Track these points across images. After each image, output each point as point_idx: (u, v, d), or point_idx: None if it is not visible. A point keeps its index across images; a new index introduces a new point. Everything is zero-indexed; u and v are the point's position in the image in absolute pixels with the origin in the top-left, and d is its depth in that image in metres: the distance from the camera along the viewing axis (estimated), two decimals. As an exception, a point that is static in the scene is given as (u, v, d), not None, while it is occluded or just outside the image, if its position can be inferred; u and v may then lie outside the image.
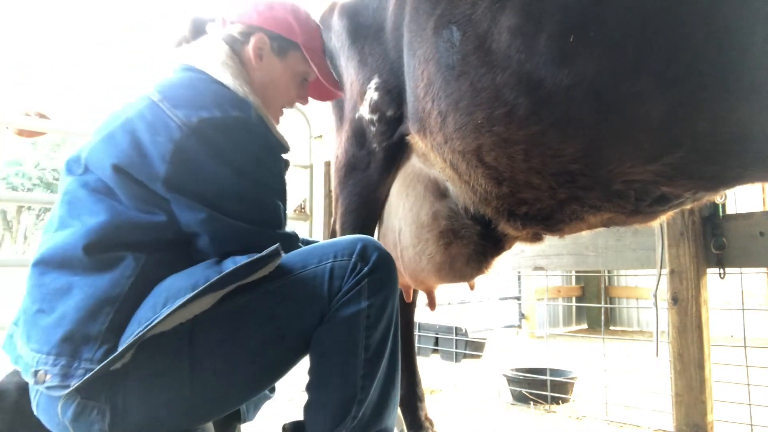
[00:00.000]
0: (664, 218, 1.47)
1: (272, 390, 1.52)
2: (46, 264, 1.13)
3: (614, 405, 2.69)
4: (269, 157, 1.26)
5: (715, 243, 2.09)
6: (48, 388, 1.07)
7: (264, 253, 1.09)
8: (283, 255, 1.14)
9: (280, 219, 1.26)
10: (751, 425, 2.14)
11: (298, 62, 1.41)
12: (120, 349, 1.04)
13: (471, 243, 1.70)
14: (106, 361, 1.03)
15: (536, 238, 1.65)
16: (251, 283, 1.12)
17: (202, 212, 1.14)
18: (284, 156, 1.36)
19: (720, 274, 2.11)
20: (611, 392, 2.71)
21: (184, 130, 1.13)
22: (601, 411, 2.69)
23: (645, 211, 1.33)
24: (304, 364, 1.25)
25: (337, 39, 1.91)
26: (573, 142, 1.23)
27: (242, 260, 1.08)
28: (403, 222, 1.79)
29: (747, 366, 2.21)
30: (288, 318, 1.15)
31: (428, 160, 1.66)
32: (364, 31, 1.80)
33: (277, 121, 1.46)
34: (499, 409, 2.92)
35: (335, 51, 1.91)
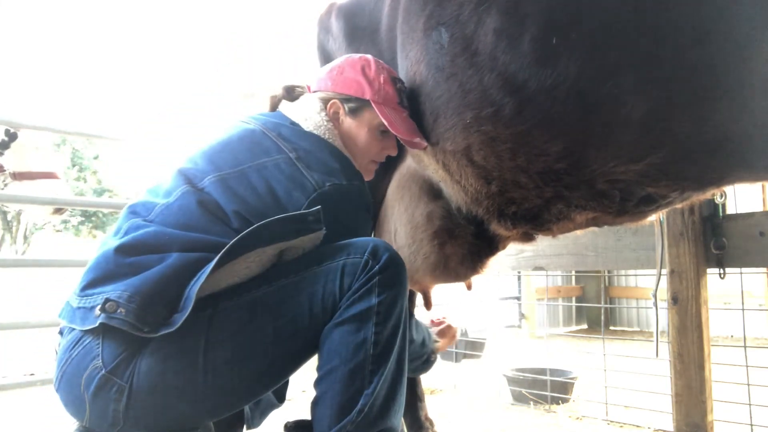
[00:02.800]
0: (654, 217, 1.47)
1: (281, 399, 1.52)
2: (141, 249, 1.18)
3: (614, 405, 2.70)
4: (366, 220, 1.43)
5: (715, 243, 2.10)
6: (112, 318, 1.09)
7: (307, 212, 1.21)
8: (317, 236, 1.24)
9: None
10: (751, 425, 2.14)
11: (372, 117, 1.47)
12: (181, 305, 1.11)
13: (465, 243, 1.71)
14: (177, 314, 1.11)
15: (527, 237, 1.66)
16: (271, 276, 1.21)
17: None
18: None
19: (720, 274, 2.11)
20: (611, 392, 2.71)
21: (318, 191, 1.27)
22: (601, 411, 2.69)
23: (632, 210, 1.34)
24: (306, 364, 1.26)
25: (335, 41, 1.91)
26: (557, 141, 1.25)
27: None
28: (398, 222, 1.79)
29: (747, 366, 2.22)
30: (300, 313, 1.19)
31: (422, 160, 1.67)
32: (360, 33, 1.80)
33: (372, 175, 1.59)
34: (499, 409, 2.92)
35: (333, 53, 1.91)
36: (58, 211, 3.09)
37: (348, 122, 1.48)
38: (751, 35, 1.04)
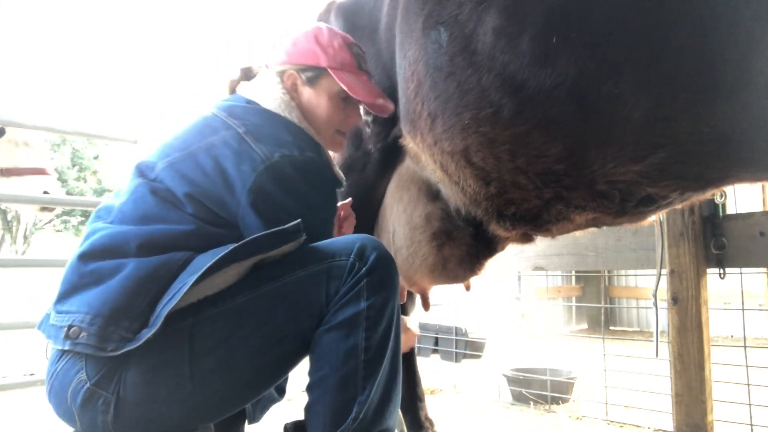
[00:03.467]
0: (653, 218, 1.47)
1: (281, 393, 1.52)
2: (99, 254, 1.16)
3: (614, 405, 2.69)
4: (330, 196, 1.37)
5: (715, 243, 2.10)
6: (77, 344, 1.08)
7: (287, 226, 1.14)
8: (299, 243, 1.18)
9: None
10: (751, 425, 2.14)
11: (331, 84, 1.44)
12: (152, 321, 1.07)
13: (463, 244, 1.70)
14: (142, 333, 1.06)
15: (526, 238, 1.66)
16: (253, 281, 1.15)
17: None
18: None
19: (720, 274, 2.11)
20: (611, 392, 2.71)
21: (266, 163, 1.21)
22: (601, 411, 2.69)
23: (631, 211, 1.33)
24: (305, 364, 1.25)
25: (334, 40, 1.91)
26: (556, 142, 1.24)
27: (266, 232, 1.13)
28: (397, 223, 1.79)
29: (747, 366, 2.22)
30: (286, 319, 1.15)
31: (420, 161, 1.66)
32: (359, 32, 1.80)
33: (340, 147, 1.54)
34: (499, 409, 2.92)
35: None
36: (46, 208, 3.05)
37: (307, 92, 1.44)
38: (752, 34, 1.04)
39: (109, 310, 1.08)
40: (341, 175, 1.44)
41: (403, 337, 1.66)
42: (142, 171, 1.28)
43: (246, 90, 1.43)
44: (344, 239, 1.22)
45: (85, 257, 1.15)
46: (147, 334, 1.06)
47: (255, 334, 1.14)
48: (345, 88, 1.41)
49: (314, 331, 1.16)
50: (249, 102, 1.38)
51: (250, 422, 1.49)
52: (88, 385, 1.08)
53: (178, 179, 1.22)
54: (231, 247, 1.11)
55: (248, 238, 1.13)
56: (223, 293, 1.14)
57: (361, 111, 1.64)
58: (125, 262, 1.12)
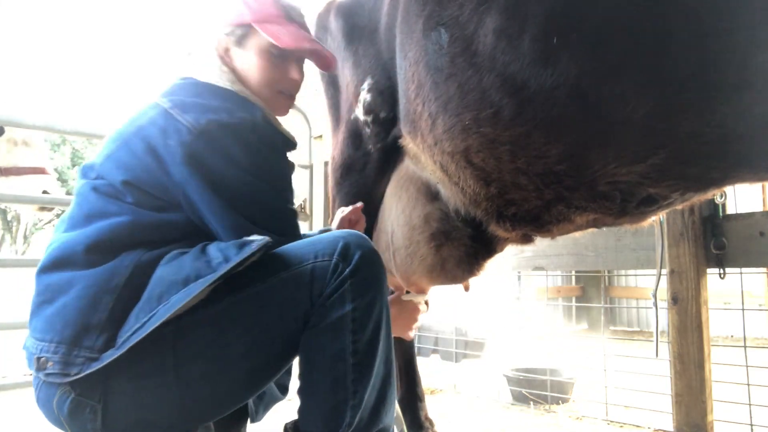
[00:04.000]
0: (654, 219, 1.47)
1: (284, 391, 1.50)
2: (51, 266, 1.15)
3: (614, 405, 2.69)
4: (276, 158, 1.28)
5: (715, 243, 2.10)
6: (48, 375, 1.08)
7: (253, 249, 1.08)
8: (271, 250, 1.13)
9: (290, 221, 1.26)
10: (751, 425, 2.14)
11: (260, 40, 1.35)
12: (119, 342, 1.06)
13: (462, 245, 1.70)
14: (107, 355, 1.05)
15: (526, 239, 1.65)
16: (234, 285, 1.11)
17: (213, 212, 1.17)
18: (290, 154, 1.36)
19: (720, 274, 2.11)
20: (611, 392, 2.71)
21: (193, 132, 1.15)
22: (601, 411, 2.69)
23: (632, 212, 1.33)
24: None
25: (333, 40, 1.91)
26: (557, 143, 1.24)
27: (232, 255, 1.08)
28: (396, 224, 1.79)
29: (747, 366, 2.21)
30: (271, 323, 1.13)
31: (419, 162, 1.66)
32: (359, 32, 1.80)
33: (285, 109, 1.44)
34: (499, 409, 2.92)
35: (332, 52, 1.91)
36: (45, 208, 3.05)
37: (239, 54, 1.37)
38: (753, 34, 1.03)
39: (70, 335, 1.07)
40: (290, 135, 1.36)
41: (406, 316, 1.62)
42: (84, 173, 1.25)
43: (186, 69, 1.38)
44: (327, 237, 1.17)
45: (42, 271, 1.16)
46: (113, 355, 1.04)
47: (240, 339, 1.12)
48: (269, 38, 1.33)
49: (301, 332, 1.13)
50: (183, 78, 1.34)
51: (253, 421, 1.48)
52: (72, 395, 1.08)
53: (115, 169, 1.19)
54: (193, 272, 1.07)
55: (216, 274, 1.05)
56: (203, 299, 1.10)
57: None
58: (76, 277, 1.11)
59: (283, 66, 1.39)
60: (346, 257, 1.13)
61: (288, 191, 1.30)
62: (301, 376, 1.16)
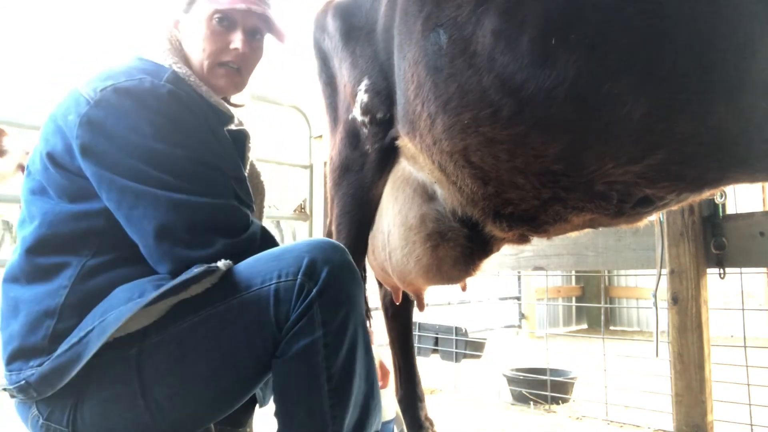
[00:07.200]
0: (653, 218, 1.48)
1: None
2: (6, 280, 1.16)
3: (614, 405, 2.69)
4: (188, 121, 1.15)
5: (715, 243, 2.09)
6: (17, 400, 1.13)
7: (203, 269, 1.01)
8: (229, 266, 1.05)
9: (210, 187, 1.14)
10: (751, 425, 2.14)
11: (202, 6, 1.28)
12: (69, 372, 1.04)
13: (458, 245, 1.70)
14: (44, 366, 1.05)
15: (523, 239, 1.66)
16: (193, 305, 1.05)
17: (113, 184, 1.08)
18: (233, 128, 1.29)
19: (720, 274, 2.11)
20: (611, 392, 2.71)
21: (90, 102, 1.09)
22: (601, 411, 2.69)
23: (628, 212, 1.34)
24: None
25: (331, 40, 1.90)
26: (554, 142, 1.25)
27: (181, 276, 1.02)
28: (392, 224, 1.79)
29: (747, 366, 2.21)
30: (236, 345, 1.06)
31: (417, 162, 1.66)
32: (356, 33, 1.79)
33: (226, 83, 1.31)
34: (499, 409, 2.92)
35: (329, 52, 1.90)
36: None
37: (186, 26, 1.29)
38: (751, 35, 1.04)
39: (19, 360, 1.08)
40: (223, 107, 1.26)
41: (381, 370, 1.51)
42: (27, 173, 1.22)
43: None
44: (292, 251, 1.07)
45: (4, 281, 1.16)
46: (61, 382, 1.03)
47: (204, 360, 1.06)
48: (211, 3, 1.25)
49: (271, 355, 1.06)
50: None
51: (261, 405, 1.45)
52: (41, 420, 1.09)
53: (40, 164, 1.15)
54: (137, 293, 1.03)
55: (153, 295, 0.99)
56: (164, 319, 1.05)
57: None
58: (19, 297, 1.11)
59: (226, 35, 1.28)
60: (312, 275, 1.03)
61: (200, 154, 1.14)
62: (276, 402, 1.08)
